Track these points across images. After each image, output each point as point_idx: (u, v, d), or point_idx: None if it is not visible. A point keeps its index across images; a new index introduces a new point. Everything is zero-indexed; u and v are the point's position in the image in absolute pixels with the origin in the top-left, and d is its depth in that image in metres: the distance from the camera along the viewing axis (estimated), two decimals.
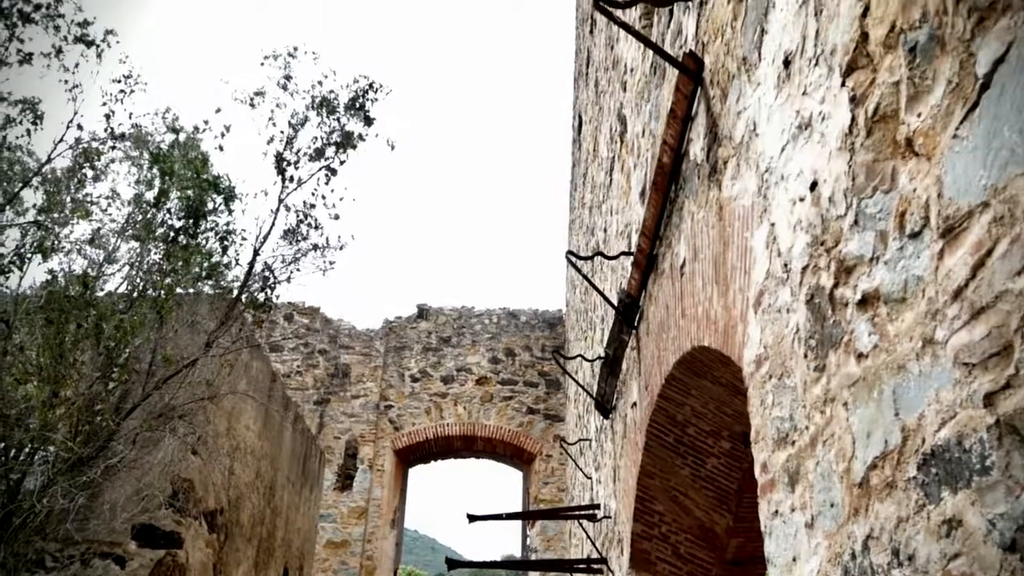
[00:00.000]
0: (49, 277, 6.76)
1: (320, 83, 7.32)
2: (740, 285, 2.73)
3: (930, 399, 1.47)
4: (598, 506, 7.08)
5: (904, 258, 1.58)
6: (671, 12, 4.02)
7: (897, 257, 1.61)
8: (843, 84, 1.88)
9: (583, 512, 7.33)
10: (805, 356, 2.11)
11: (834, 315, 1.92)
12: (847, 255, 1.85)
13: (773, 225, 2.37)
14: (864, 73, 1.78)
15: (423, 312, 16.70)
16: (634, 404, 5.15)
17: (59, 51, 7.37)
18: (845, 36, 1.88)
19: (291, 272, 7.01)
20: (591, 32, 9.83)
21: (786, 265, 2.26)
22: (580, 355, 8.55)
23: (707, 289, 3.21)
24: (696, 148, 3.40)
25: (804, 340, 2.12)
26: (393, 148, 7.46)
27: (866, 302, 1.75)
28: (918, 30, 1.54)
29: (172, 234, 6.87)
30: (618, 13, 5.43)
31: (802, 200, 2.14)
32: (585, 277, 5.20)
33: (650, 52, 4.64)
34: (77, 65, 7.21)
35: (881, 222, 1.68)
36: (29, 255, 6.98)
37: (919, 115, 1.54)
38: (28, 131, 7.56)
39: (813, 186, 2.07)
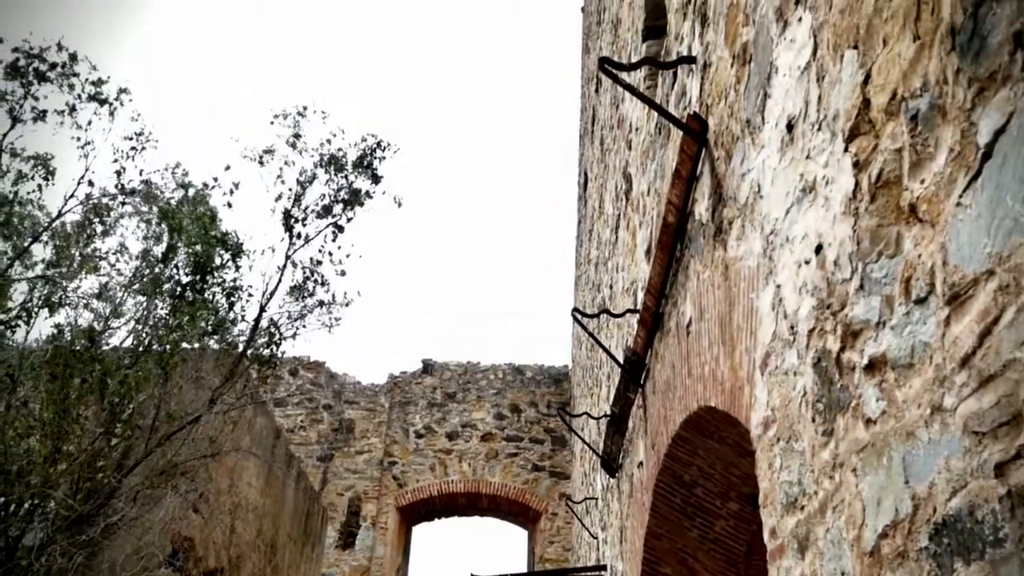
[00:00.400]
0: (55, 331, 6.77)
1: (329, 141, 7.42)
2: (746, 346, 2.72)
3: (940, 467, 1.45)
4: (605, 567, 6.96)
5: (911, 324, 1.57)
6: (675, 74, 4.07)
7: (904, 323, 1.60)
8: (846, 149, 1.90)
9: (589, 573, 7.21)
10: (813, 420, 2.09)
11: (841, 379, 1.91)
12: (853, 319, 1.84)
13: (779, 287, 2.37)
14: (867, 139, 1.80)
15: (428, 367, 16.65)
16: (640, 463, 5.09)
17: (73, 109, 7.50)
18: (847, 102, 1.90)
19: (297, 328, 7.01)
20: (596, 91, 9.97)
21: (792, 327, 2.25)
22: (586, 412, 8.49)
23: (713, 349, 3.20)
24: (701, 208, 3.42)
25: (812, 403, 2.10)
26: (400, 205, 7.53)
27: (873, 367, 1.74)
28: (919, 98, 1.56)
29: (179, 289, 6.90)
30: (623, 74, 5.51)
31: (807, 263, 2.14)
32: (591, 335, 5.19)
33: (655, 112, 4.69)
34: (90, 123, 7.33)
35: (887, 287, 1.68)
36: (36, 309, 7.01)
37: (922, 182, 1.55)
38: (40, 186, 7.65)
39: (818, 249, 2.07)
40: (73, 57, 7.33)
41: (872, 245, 1.75)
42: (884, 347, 1.69)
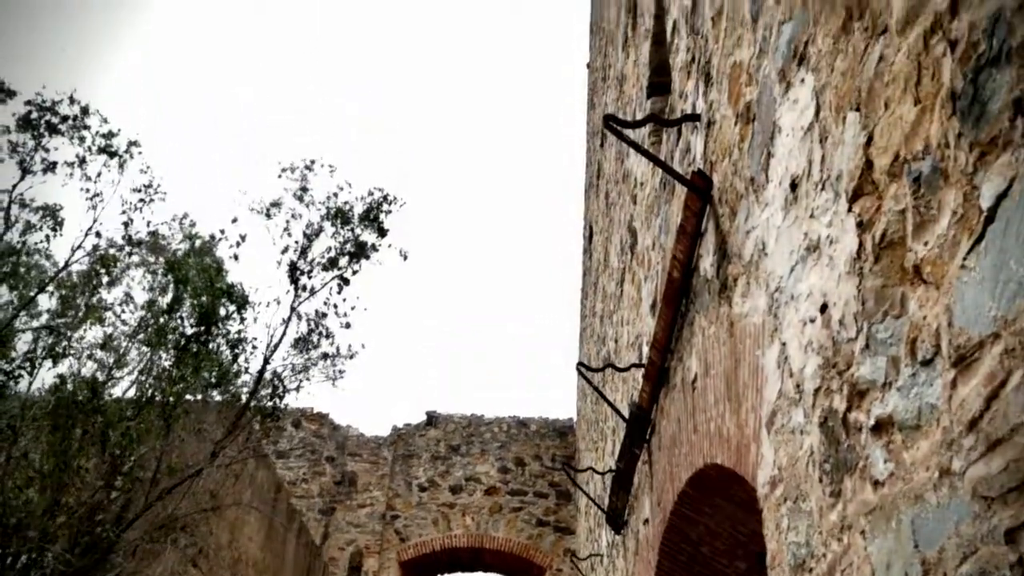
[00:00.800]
0: (58, 382, 6.76)
1: (336, 195, 7.48)
2: (752, 403, 2.70)
3: (950, 532, 1.43)
4: None
5: (917, 385, 1.57)
6: (679, 131, 4.12)
7: (910, 384, 1.60)
8: (850, 209, 1.91)
9: None
10: (820, 480, 2.07)
11: (848, 439, 1.89)
12: (859, 379, 1.83)
13: (784, 345, 2.37)
14: (870, 200, 1.81)
15: (432, 419, 16.55)
16: (646, 520, 5.03)
17: (83, 161, 7.59)
18: (850, 163, 1.91)
19: (300, 381, 7.00)
20: (601, 145, 10.06)
21: (798, 386, 2.24)
22: (591, 467, 8.41)
23: (719, 406, 3.18)
24: (706, 264, 3.43)
25: (819, 464, 2.08)
26: (406, 258, 7.56)
27: (880, 428, 1.72)
28: (921, 161, 1.57)
29: (184, 341, 6.90)
30: (628, 131, 5.57)
31: (812, 321, 2.14)
32: (596, 389, 5.16)
33: (659, 167, 4.73)
34: (99, 174, 7.41)
35: (892, 348, 1.68)
36: (40, 360, 7.01)
37: (926, 243, 1.55)
38: (47, 237, 7.71)
39: (823, 308, 2.07)
40: (85, 110, 7.44)
41: (877, 305, 1.75)
42: (891, 408, 1.68)
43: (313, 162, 7.55)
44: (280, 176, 7.45)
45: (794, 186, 2.32)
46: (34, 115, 7.32)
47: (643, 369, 4.78)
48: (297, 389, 7.04)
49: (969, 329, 1.39)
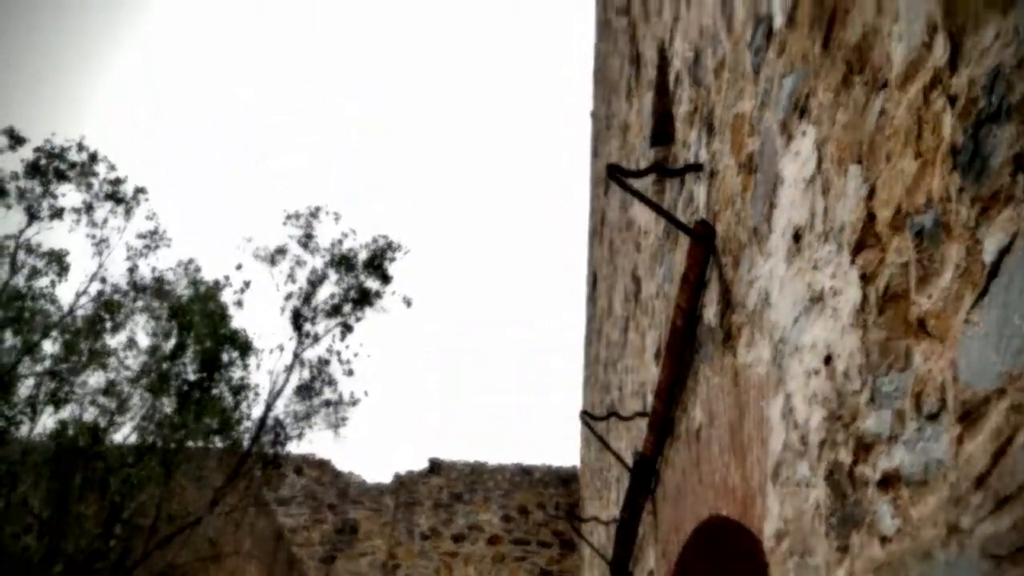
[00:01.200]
0: (59, 427, 6.74)
1: (340, 242, 7.52)
2: (757, 455, 2.68)
3: None
4: None
5: (923, 440, 1.55)
6: (683, 180, 4.14)
7: (916, 438, 1.58)
8: (853, 261, 1.91)
9: None
10: (827, 535, 2.04)
11: (855, 493, 1.87)
12: (865, 432, 1.82)
13: (789, 396, 2.35)
14: (873, 252, 1.81)
15: (435, 467, 16.41)
16: (651, 572, 4.96)
17: (90, 207, 7.65)
18: (852, 215, 1.92)
19: (303, 429, 6.96)
20: (605, 193, 10.12)
21: (803, 438, 2.22)
22: (595, 517, 8.31)
23: (724, 456, 3.15)
24: (710, 313, 3.42)
25: (825, 518, 2.05)
26: (410, 306, 7.58)
27: (887, 483, 1.70)
28: (923, 214, 1.57)
29: (186, 387, 6.89)
30: (631, 180, 5.60)
31: (817, 373, 2.13)
32: (600, 438, 5.13)
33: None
34: (106, 221, 7.47)
35: (897, 401, 1.66)
36: (42, 405, 6.99)
37: (930, 296, 1.55)
38: (53, 282, 7.75)
39: (827, 360, 2.06)
40: (93, 157, 7.52)
41: (882, 358, 1.74)
42: (897, 462, 1.66)
43: (318, 209, 7.61)
44: (285, 224, 7.50)
45: (797, 237, 2.33)
46: (43, 162, 7.40)
47: (647, 418, 4.75)
48: (299, 437, 7.01)
49: (975, 384, 1.38)
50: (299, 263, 7.41)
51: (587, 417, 5.27)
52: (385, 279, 7.41)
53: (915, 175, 1.61)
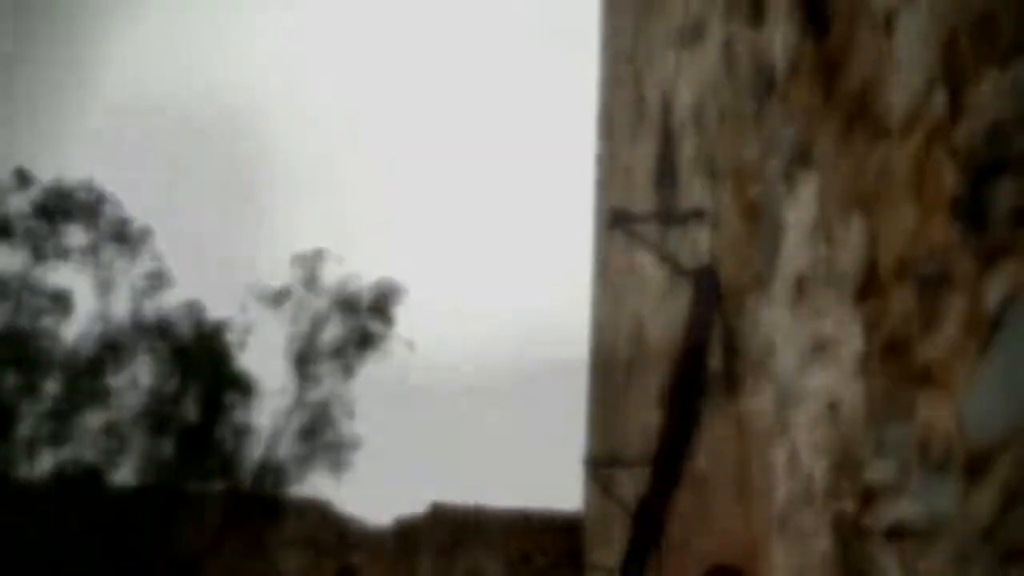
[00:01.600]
0: (59, 470, 6.69)
1: (344, 284, 7.53)
2: (762, 504, 2.64)
3: None
4: None
5: (929, 492, 1.53)
6: (686, 224, 4.15)
7: (921, 490, 1.56)
8: (856, 309, 1.90)
9: None
10: None
11: (860, 545, 1.84)
12: (870, 482, 1.80)
13: (793, 444, 2.33)
14: (876, 301, 1.80)
15: (436, 511, 16.23)
16: None
17: (95, 247, 7.68)
18: (855, 263, 1.92)
19: (304, 471, 6.91)
20: (609, 236, 10.14)
21: (808, 487, 2.20)
22: (600, 564, 8.20)
23: (729, 505, 3.12)
24: (713, 359, 3.41)
25: (831, 568, 2.02)
26: (412, 348, 7.56)
27: (893, 534, 1.68)
28: (926, 264, 1.57)
29: (187, 428, 6.85)
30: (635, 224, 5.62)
31: (821, 421, 2.11)
32: (603, 486, 5.07)
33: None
34: (112, 263, 7.49)
35: (902, 451, 1.65)
36: (42, 446, 6.95)
37: (933, 346, 1.54)
38: (57, 321, 7.75)
39: (832, 408, 2.04)
40: (100, 198, 7.57)
41: (886, 407, 1.73)
42: (902, 513, 1.64)
43: (322, 251, 7.64)
44: (290, 266, 7.53)
45: (800, 284, 2.33)
46: (50, 203, 7.44)
47: (650, 465, 4.71)
48: (300, 481, 6.95)
49: (981, 435, 1.36)
50: (303, 308, 7.43)
51: (591, 465, 5.22)
52: (388, 322, 7.41)
53: (917, 224, 1.61)
